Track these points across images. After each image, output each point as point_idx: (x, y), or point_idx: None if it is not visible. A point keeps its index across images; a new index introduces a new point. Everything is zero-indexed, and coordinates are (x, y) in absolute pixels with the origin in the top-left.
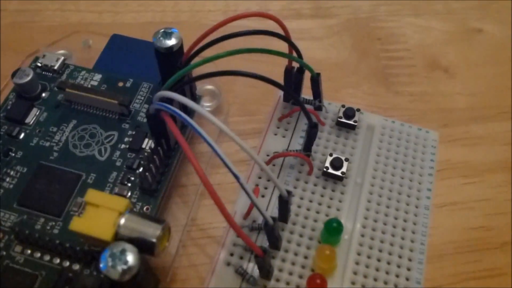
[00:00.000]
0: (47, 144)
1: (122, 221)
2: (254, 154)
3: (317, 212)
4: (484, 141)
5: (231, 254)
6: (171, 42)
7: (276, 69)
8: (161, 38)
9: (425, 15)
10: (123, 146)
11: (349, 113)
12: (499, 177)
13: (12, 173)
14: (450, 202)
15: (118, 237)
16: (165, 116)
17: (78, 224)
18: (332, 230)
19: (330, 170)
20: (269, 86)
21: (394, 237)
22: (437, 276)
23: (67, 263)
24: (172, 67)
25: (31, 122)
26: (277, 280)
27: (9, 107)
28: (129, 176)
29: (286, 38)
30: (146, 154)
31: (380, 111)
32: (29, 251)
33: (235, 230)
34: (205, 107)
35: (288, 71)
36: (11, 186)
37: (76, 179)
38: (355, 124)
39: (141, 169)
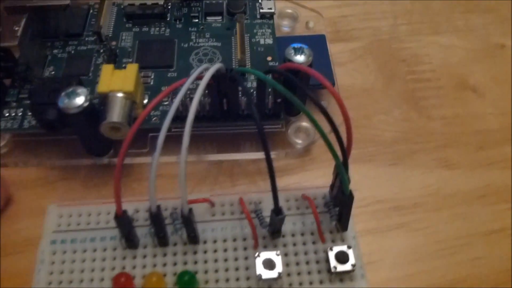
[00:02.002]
0: (193, 36)
1: (118, 94)
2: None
3: (215, 271)
4: None
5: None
6: (299, 58)
7: None
8: (292, 51)
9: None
10: None
11: (341, 257)
12: None
13: (162, 28)
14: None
15: (103, 95)
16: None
17: (107, 68)
18: (183, 283)
19: (257, 259)
20: None
21: None
22: None
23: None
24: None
25: (205, 22)
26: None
27: (211, 4)
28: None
29: (345, 162)
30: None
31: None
32: None
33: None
34: (297, 144)
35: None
36: (147, 37)
37: (168, 65)
38: (334, 269)
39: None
